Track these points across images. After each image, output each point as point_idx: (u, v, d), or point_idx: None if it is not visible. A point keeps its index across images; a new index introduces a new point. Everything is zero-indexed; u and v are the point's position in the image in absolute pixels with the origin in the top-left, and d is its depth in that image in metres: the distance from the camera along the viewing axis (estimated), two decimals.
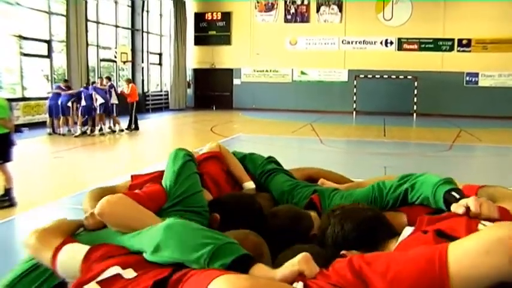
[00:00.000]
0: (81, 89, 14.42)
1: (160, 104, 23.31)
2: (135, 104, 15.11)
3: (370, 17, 22.06)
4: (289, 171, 2.68)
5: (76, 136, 13.32)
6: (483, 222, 1.48)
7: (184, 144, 12.53)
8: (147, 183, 2.21)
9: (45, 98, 14.42)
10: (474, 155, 12.29)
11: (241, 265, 1.37)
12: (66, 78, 15.78)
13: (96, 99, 13.93)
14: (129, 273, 1.44)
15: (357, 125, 19.04)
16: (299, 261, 1.37)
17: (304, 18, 23.24)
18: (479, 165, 10.94)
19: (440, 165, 10.08)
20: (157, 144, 13.57)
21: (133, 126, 15.09)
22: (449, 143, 12.89)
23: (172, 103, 23.59)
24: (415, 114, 20.93)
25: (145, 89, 21.75)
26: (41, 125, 14.43)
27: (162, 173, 2.26)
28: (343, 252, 1.59)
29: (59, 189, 7.16)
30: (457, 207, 1.58)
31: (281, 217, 1.98)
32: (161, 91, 23.93)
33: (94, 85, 14.30)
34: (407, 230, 1.59)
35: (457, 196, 1.70)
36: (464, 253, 1.14)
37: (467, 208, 1.55)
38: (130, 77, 19.73)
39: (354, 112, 21.72)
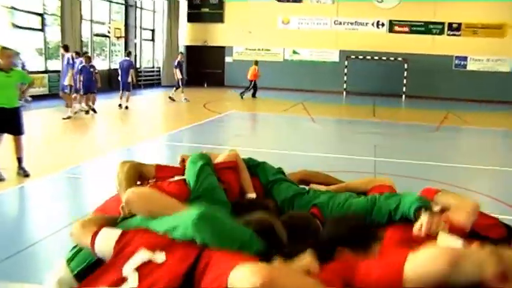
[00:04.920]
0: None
1: (152, 80, 23.39)
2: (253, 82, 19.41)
3: None
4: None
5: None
6: (441, 236, 1.96)
7: (180, 120, 12.74)
8: (171, 176, 2.54)
9: (38, 72, 14.39)
10: (460, 136, 12.67)
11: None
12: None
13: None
14: (159, 257, 1.72)
15: (347, 105, 19.35)
16: (308, 261, 1.75)
17: None
18: (464, 146, 11.32)
19: (427, 145, 10.46)
20: (156, 120, 13.78)
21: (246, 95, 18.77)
22: (437, 124, 13.27)
23: (164, 79, 23.66)
24: (404, 96, 21.27)
25: (138, 65, 21.80)
26: (34, 98, 14.35)
27: (181, 168, 2.66)
28: (339, 248, 2.03)
29: None
30: (417, 232, 2.05)
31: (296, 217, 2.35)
32: (153, 67, 24.00)
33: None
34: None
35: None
36: (417, 263, 1.60)
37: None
38: (123, 51, 19.74)
39: (344, 92, 21.99)
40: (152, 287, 1.63)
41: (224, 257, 1.63)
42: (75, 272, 2.11)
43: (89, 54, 14.43)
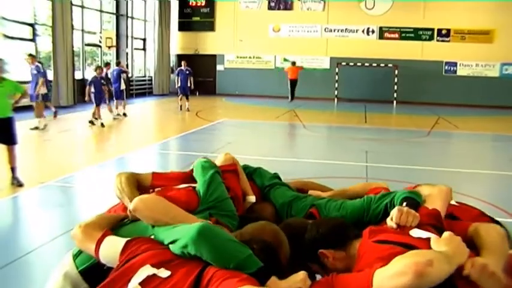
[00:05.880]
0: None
1: (144, 89, 23.41)
2: (293, 81, 21.09)
3: (352, 6, 22.38)
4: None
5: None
6: (412, 230, 1.98)
7: (173, 129, 12.72)
8: (170, 183, 2.56)
9: (29, 82, 14.28)
10: (451, 141, 12.79)
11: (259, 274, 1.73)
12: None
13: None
14: (164, 273, 1.75)
15: (338, 112, 19.45)
16: (301, 281, 1.73)
17: (287, 5, 23.46)
18: (455, 150, 11.42)
19: (419, 150, 10.55)
20: (149, 128, 13.79)
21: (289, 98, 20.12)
22: (428, 129, 13.37)
23: (156, 88, 23.70)
24: (395, 102, 21.42)
25: (129, 75, 21.79)
26: (23, 109, 14.16)
27: (180, 174, 2.68)
28: (320, 250, 2.03)
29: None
30: (389, 223, 2.08)
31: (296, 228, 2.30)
32: (145, 76, 24.01)
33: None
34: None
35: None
36: (385, 277, 1.59)
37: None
38: (114, 61, 19.77)
39: (336, 99, 22.11)
40: None
41: (226, 278, 1.65)
42: (80, 268, 2.16)
43: (101, 66, 14.56)
